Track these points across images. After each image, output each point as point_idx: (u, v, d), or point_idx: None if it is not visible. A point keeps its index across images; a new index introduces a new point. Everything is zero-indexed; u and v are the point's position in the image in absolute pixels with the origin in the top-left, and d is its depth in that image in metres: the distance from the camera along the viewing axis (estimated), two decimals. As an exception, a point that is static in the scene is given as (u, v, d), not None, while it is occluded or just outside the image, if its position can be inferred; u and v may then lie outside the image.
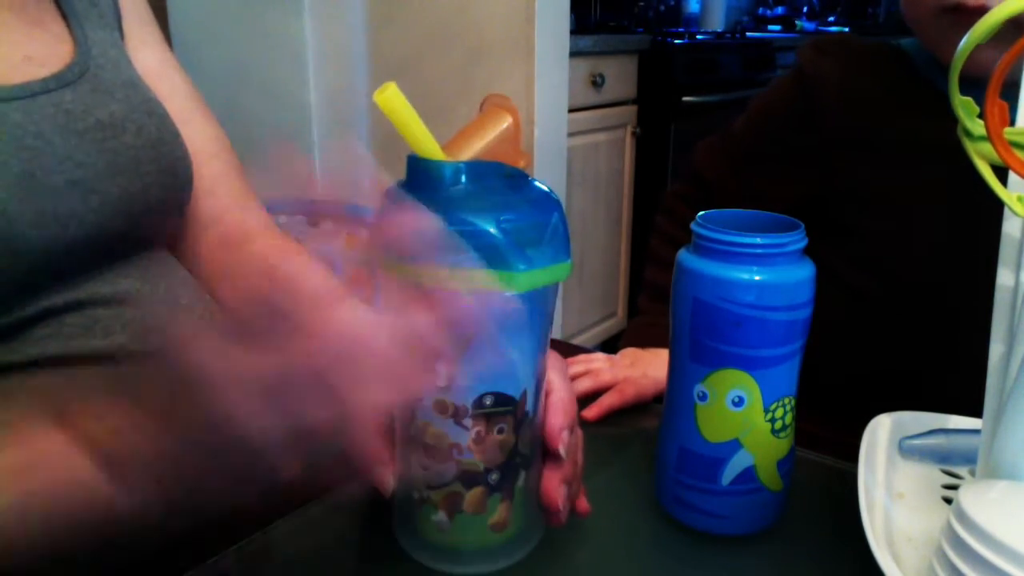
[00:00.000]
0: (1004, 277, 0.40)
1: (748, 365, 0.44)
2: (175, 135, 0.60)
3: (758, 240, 0.43)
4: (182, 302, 0.56)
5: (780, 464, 0.47)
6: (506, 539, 0.43)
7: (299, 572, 0.46)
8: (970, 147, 0.37)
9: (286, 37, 1.76)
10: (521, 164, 0.40)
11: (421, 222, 0.36)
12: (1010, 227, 0.40)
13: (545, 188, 0.41)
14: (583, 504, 0.47)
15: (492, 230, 0.36)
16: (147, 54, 0.64)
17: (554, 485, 0.43)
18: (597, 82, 2.21)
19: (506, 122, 0.40)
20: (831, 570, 0.46)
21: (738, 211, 0.47)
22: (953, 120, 0.37)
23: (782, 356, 0.45)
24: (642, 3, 3.32)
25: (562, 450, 0.43)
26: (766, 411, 0.45)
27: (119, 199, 0.52)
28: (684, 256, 0.46)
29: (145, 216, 0.55)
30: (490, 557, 0.43)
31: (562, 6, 1.74)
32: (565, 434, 0.43)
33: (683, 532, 0.48)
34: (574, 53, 1.87)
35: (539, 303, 0.40)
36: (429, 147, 0.38)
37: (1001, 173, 0.37)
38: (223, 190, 0.66)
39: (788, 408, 0.46)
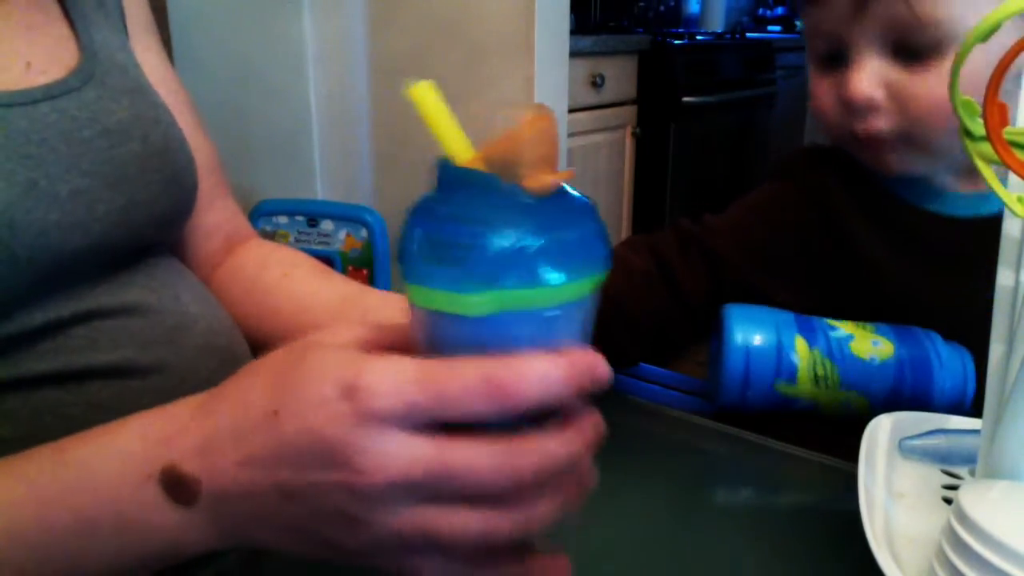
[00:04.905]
0: (1004, 277, 0.40)
1: None
2: (181, 142, 0.58)
3: None
4: (190, 310, 0.55)
5: None
6: None
7: (299, 572, 0.46)
8: (970, 147, 0.37)
9: (286, 37, 1.76)
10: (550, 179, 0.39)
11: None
12: (1010, 227, 0.40)
13: (580, 196, 0.38)
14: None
15: (531, 242, 0.34)
16: (149, 59, 0.63)
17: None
18: (597, 82, 2.21)
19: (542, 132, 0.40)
20: (831, 570, 0.46)
21: None
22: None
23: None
24: (642, 3, 3.33)
25: None
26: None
27: (125, 208, 0.51)
28: None
29: (151, 225, 0.54)
30: None
31: (562, 6, 1.74)
32: None
33: (683, 531, 0.48)
34: (574, 53, 1.87)
35: (572, 313, 0.37)
36: (462, 149, 0.36)
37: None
38: (219, 203, 0.67)
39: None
